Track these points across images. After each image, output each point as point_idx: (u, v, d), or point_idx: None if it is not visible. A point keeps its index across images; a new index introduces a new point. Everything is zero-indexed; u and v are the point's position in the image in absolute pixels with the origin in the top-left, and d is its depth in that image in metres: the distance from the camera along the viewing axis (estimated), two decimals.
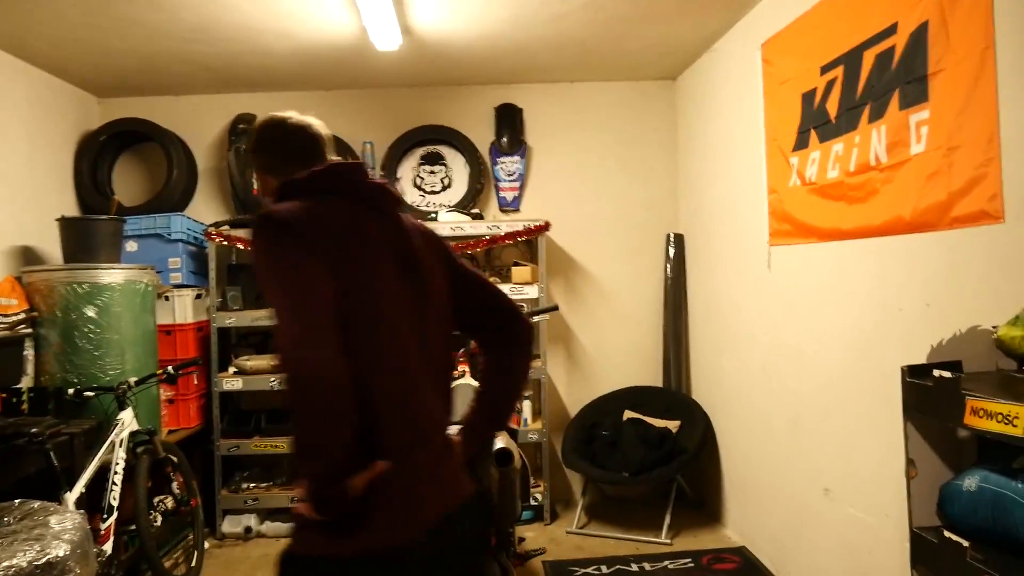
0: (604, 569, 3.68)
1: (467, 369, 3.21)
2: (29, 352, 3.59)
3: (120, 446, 3.39)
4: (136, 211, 4.43)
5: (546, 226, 4.40)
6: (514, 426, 3.14)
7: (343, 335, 1.40)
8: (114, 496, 3.27)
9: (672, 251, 4.75)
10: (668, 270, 4.76)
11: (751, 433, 3.80)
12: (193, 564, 3.81)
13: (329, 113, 4.77)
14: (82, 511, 2.90)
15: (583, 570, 3.68)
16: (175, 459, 3.87)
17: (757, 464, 3.74)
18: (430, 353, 1.59)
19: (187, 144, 4.72)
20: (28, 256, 3.94)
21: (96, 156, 4.54)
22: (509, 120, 4.76)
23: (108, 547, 3.16)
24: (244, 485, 4.50)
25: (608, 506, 4.66)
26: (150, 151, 4.70)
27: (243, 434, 4.46)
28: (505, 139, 4.75)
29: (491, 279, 4.58)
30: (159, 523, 3.68)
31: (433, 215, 4.55)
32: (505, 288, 4.39)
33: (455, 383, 3.08)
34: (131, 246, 4.34)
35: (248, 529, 4.37)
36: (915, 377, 1.85)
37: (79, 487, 3.08)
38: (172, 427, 4.27)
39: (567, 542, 4.13)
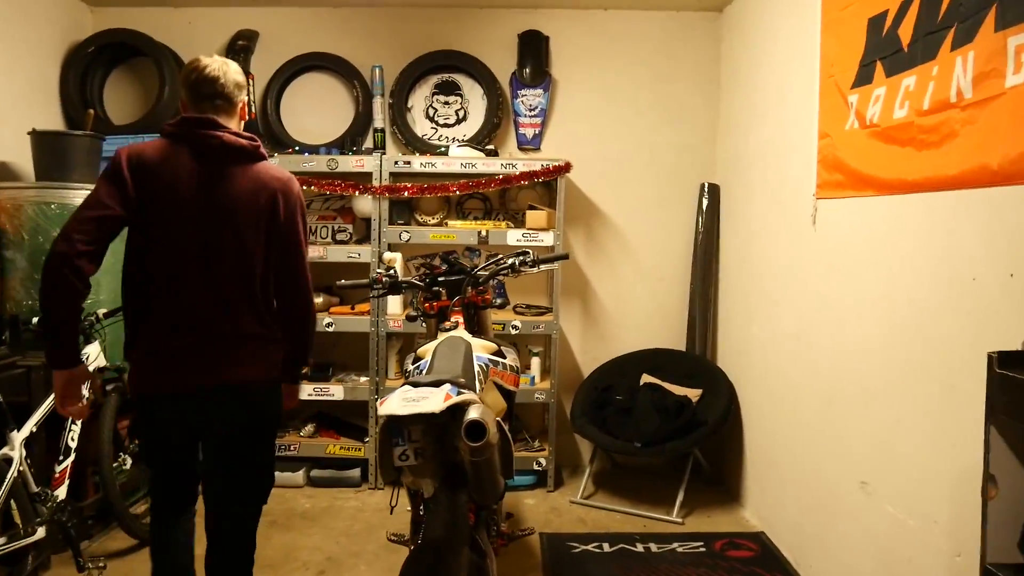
0: (606, 547, 3.35)
1: (460, 320, 2.85)
2: None
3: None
4: (124, 131, 4.10)
5: (566, 167, 3.98)
6: (510, 386, 2.78)
7: (133, 240, 2.15)
8: (72, 437, 3.00)
9: (705, 202, 4.30)
10: (699, 223, 4.32)
11: (779, 408, 3.40)
12: None
13: (336, 32, 4.38)
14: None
15: (583, 547, 3.35)
16: None
17: (784, 443, 3.35)
18: (215, 273, 2.11)
19: (183, 61, 4.35)
20: (1, 172, 3.64)
21: (85, 69, 4.20)
22: (533, 49, 4.29)
23: (61, 492, 2.90)
24: None
25: (618, 476, 4.32)
26: (144, 67, 4.34)
27: None
28: (528, 70, 4.30)
29: (503, 224, 4.20)
30: (129, 466, 3.43)
31: (443, 149, 4.14)
32: (518, 234, 4.00)
33: (447, 333, 2.73)
34: None
35: None
36: (1008, 367, 1.42)
37: (29, 425, 2.81)
38: None
39: (569, 513, 3.81)
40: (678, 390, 4.02)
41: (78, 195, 3.34)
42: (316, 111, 4.42)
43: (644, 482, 4.19)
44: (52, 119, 4.07)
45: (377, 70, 4.25)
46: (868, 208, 2.62)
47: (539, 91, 4.31)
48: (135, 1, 4.30)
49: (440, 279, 2.93)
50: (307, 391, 4.05)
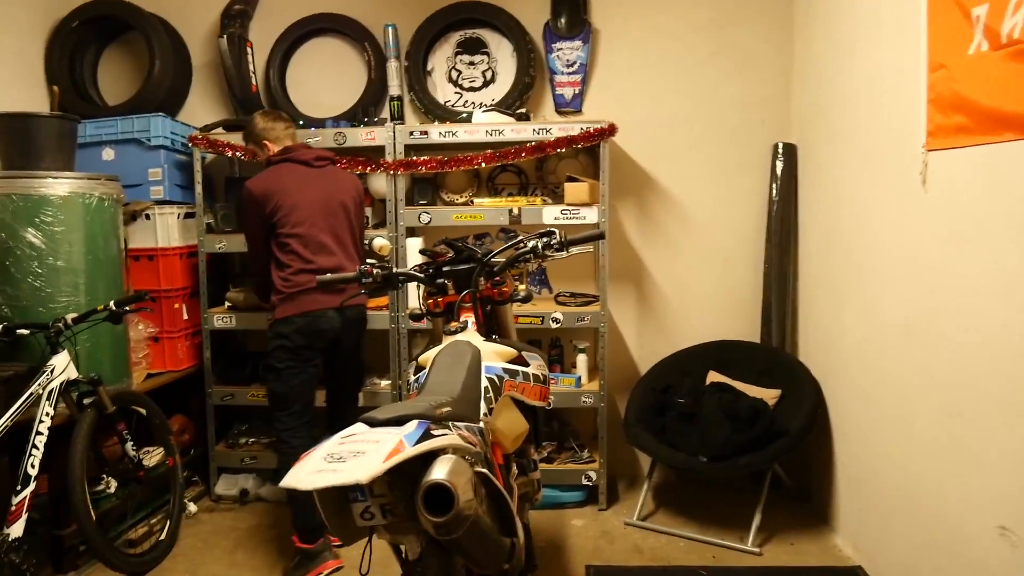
0: None
1: (471, 319, 2.30)
2: None
3: (48, 399, 2.69)
4: (115, 111, 3.68)
5: (610, 130, 3.35)
6: (534, 401, 2.22)
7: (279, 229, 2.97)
8: (32, 464, 2.59)
9: (780, 166, 3.62)
10: (774, 191, 3.64)
11: (882, 416, 2.73)
12: (163, 537, 3.15)
13: None
14: None
15: None
16: (144, 411, 3.19)
17: (889, 459, 2.68)
18: (341, 238, 3.03)
19: (179, 33, 3.92)
20: None
21: (74, 48, 3.80)
22: None
23: (17, 528, 2.49)
24: (242, 440, 3.81)
25: (682, 490, 3.70)
26: (139, 42, 3.91)
27: (239, 380, 3.75)
28: (563, 19, 3.68)
29: (537, 201, 3.61)
30: (114, 489, 3.01)
31: (464, 116, 3.58)
32: (555, 211, 3.42)
33: (453, 337, 2.20)
34: (107, 154, 3.61)
35: (244, 492, 3.68)
36: None
37: None
38: (157, 369, 3.59)
39: (623, 539, 3.22)
40: (752, 391, 3.38)
41: (48, 185, 2.92)
42: (325, 81, 3.92)
43: (714, 497, 3.57)
44: (37, 104, 3.68)
45: (390, 29, 3.71)
46: (1007, 157, 1.94)
47: (577, 43, 3.69)
48: None
49: (445, 269, 2.38)
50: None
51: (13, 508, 2.52)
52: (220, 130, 3.67)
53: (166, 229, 3.57)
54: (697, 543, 3.14)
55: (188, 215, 3.66)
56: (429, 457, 1.33)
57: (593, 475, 3.49)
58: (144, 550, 3.09)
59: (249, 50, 3.77)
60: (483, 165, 3.45)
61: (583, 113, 3.77)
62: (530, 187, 3.81)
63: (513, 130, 3.42)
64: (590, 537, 3.24)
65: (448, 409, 1.57)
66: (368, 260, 2.37)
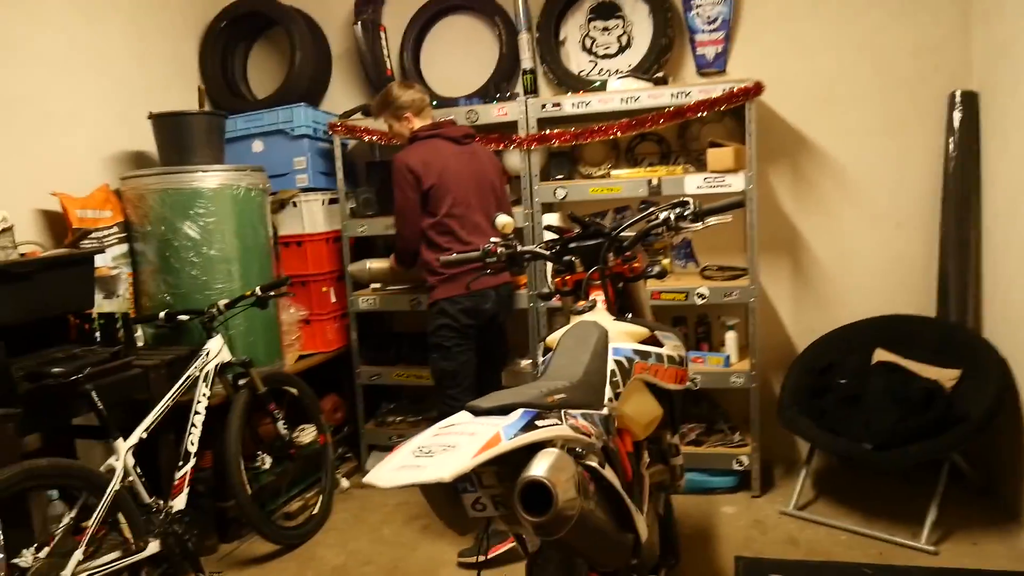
0: None
1: (600, 297, 2.18)
2: (124, 270, 3.16)
3: (204, 380, 2.85)
4: (261, 105, 3.84)
5: (756, 89, 3.08)
6: (669, 384, 2.07)
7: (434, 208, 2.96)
8: (191, 441, 2.76)
9: (958, 118, 3.19)
10: (950, 147, 3.22)
11: None
12: (316, 511, 3.29)
13: None
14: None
15: None
16: (295, 392, 3.32)
17: None
18: (487, 208, 2.99)
19: (318, 24, 4.02)
20: (139, 161, 3.51)
21: (224, 46, 4.00)
22: None
23: (180, 501, 2.66)
24: (390, 419, 3.90)
25: (846, 478, 3.40)
26: (283, 37, 4.05)
27: (385, 360, 3.83)
28: None
29: (678, 170, 3.40)
30: (269, 465, 3.17)
31: (597, 84, 3.42)
32: (698, 179, 3.20)
33: (580, 317, 2.09)
34: (257, 146, 3.78)
35: None
36: None
37: (138, 432, 2.57)
38: (308, 351, 3.74)
39: (778, 529, 3.00)
40: (926, 371, 3.02)
41: (199, 178, 3.09)
42: (457, 59, 3.89)
43: (882, 487, 3.25)
44: (192, 103, 3.91)
45: (520, 1, 3.61)
46: None
47: None
48: None
49: (572, 245, 2.27)
50: None
51: (176, 482, 2.69)
52: (359, 116, 3.74)
53: (311, 215, 3.69)
54: (861, 537, 2.86)
55: (332, 201, 3.77)
56: (535, 449, 1.23)
57: (745, 459, 3.27)
58: (299, 523, 3.23)
59: (383, 34, 3.80)
60: (619, 135, 3.29)
61: (727, 73, 3.50)
62: (672, 155, 3.60)
63: (649, 96, 3.23)
64: (741, 526, 3.04)
65: (562, 396, 1.47)
66: (492, 239, 2.29)
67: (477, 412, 1.32)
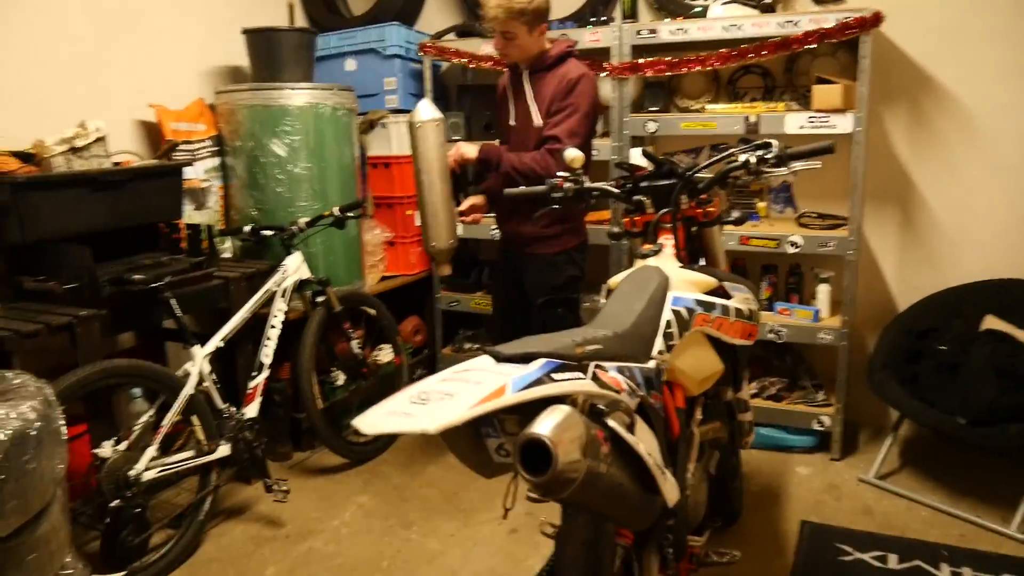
0: (893, 562, 2.38)
1: (668, 241, 2.06)
2: (215, 184, 3.25)
3: (282, 296, 2.93)
4: (355, 22, 3.80)
5: (873, 19, 2.78)
6: (734, 339, 1.96)
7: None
8: (266, 353, 2.85)
9: None
10: None
11: None
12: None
13: None
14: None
15: (857, 554, 2.42)
16: (373, 312, 3.38)
17: None
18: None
19: None
20: (235, 76, 3.56)
21: None
22: None
23: (251, 409, 2.77)
24: (467, 346, 3.93)
25: (936, 450, 3.18)
26: None
27: (465, 287, 3.83)
28: None
29: (779, 106, 3.15)
30: (341, 382, 3.26)
31: (700, 10, 3.18)
32: (801, 118, 2.96)
33: (643, 262, 1.99)
34: (350, 64, 3.76)
35: None
36: None
37: (215, 340, 2.68)
38: (391, 272, 3.78)
39: (853, 496, 2.84)
40: None
41: (286, 96, 3.10)
42: None
43: (975, 464, 3.02)
44: (293, 19, 3.91)
45: None
46: None
47: None
48: None
49: (643, 184, 2.14)
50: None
51: (249, 391, 2.81)
52: (452, 36, 3.65)
53: (400, 138, 3.66)
54: (944, 515, 2.68)
55: None
56: (552, 402, 1.17)
57: (827, 420, 3.11)
58: (368, 439, 3.32)
59: None
60: (716, 67, 3.06)
61: (845, 1, 3.17)
62: (777, 90, 3.34)
63: (754, 24, 2.98)
64: (814, 489, 2.91)
65: (596, 347, 1.40)
66: (559, 172, 2.19)
67: (499, 358, 1.26)
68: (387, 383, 3.51)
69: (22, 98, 2.73)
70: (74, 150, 2.60)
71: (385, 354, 3.54)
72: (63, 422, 1.70)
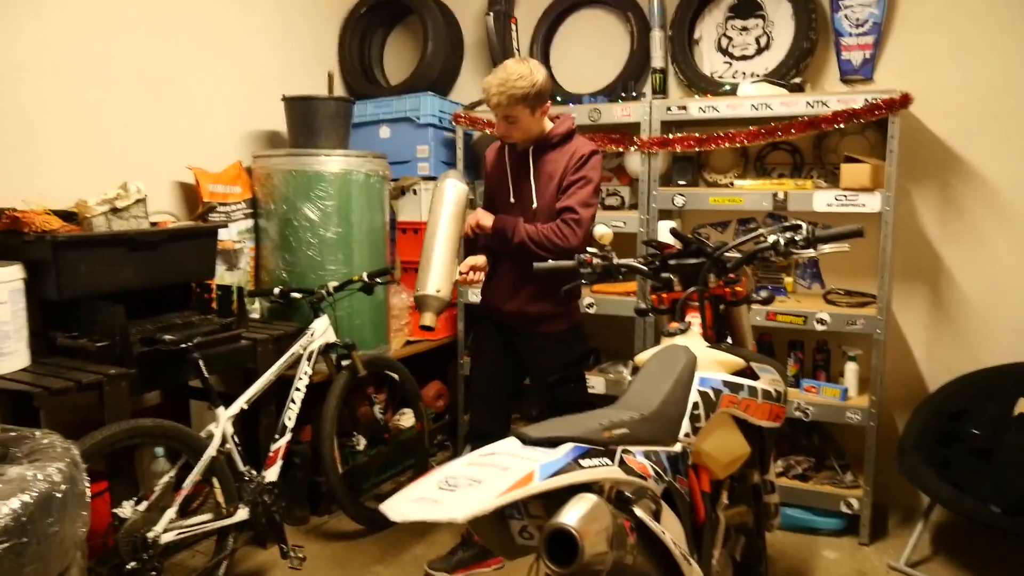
0: None
1: (695, 320, 2.05)
2: (248, 245, 3.31)
3: (308, 359, 2.95)
4: (391, 91, 3.91)
5: (902, 100, 2.81)
6: (761, 420, 1.94)
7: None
8: (289, 416, 2.86)
9: None
10: None
11: None
12: None
13: None
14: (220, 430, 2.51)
15: None
16: (396, 376, 3.38)
17: None
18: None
19: (453, 14, 4.04)
20: (272, 140, 3.67)
21: (363, 32, 4.09)
22: None
23: (272, 473, 2.76)
24: None
25: (970, 537, 3.07)
26: (420, 25, 4.10)
27: None
28: None
29: (807, 184, 3.16)
30: (363, 447, 3.25)
31: (727, 88, 3.23)
32: (829, 196, 2.98)
33: (671, 340, 1.98)
34: (384, 132, 3.85)
35: None
36: None
37: (239, 402, 2.68)
38: (415, 337, 3.79)
39: None
40: None
41: (319, 162, 3.18)
42: (587, 55, 3.80)
43: (1013, 555, 2.91)
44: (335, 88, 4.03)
45: None
46: None
47: None
48: None
49: (671, 262, 2.15)
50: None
51: (271, 454, 2.80)
52: (484, 107, 3.73)
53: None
54: None
55: None
56: (579, 489, 1.16)
57: (855, 503, 3.03)
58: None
59: (513, 26, 3.77)
60: (745, 143, 3.10)
61: (874, 81, 3.22)
62: (805, 167, 3.37)
63: (783, 103, 3.02)
64: (841, 575, 2.82)
65: (623, 431, 1.39)
66: (588, 248, 2.21)
67: (526, 440, 1.26)
68: (408, 448, 3.49)
69: (67, 158, 2.82)
70: (115, 210, 2.67)
71: (407, 419, 3.54)
72: (88, 485, 1.70)
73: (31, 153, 2.73)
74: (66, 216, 2.64)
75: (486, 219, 2.66)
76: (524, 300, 2.66)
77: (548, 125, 2.64)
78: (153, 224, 2.90)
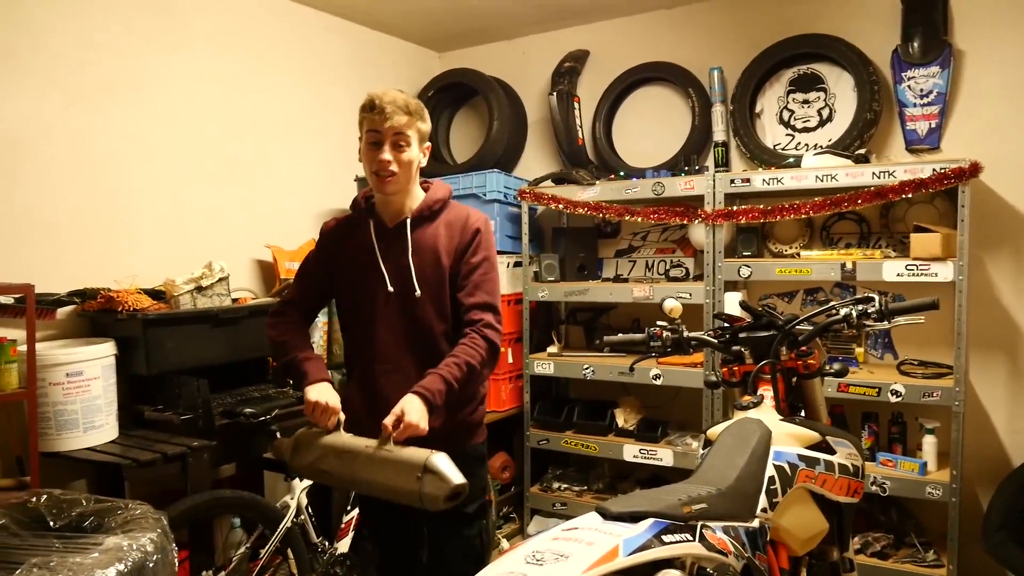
0: None
1: (767, 393, 2.04)
2: (321, 319, 3.43)
3: None
4: (458, 170, 4.06)
5: (972, 170, 2.79)
6: (838, 496, 1.89)
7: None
8: None
9: None
10: None
11: None
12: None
13: (670, 37, 3.80)
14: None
15: None
16: None
17: None
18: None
19: (517, 93, 4.20)
20: None
21: (431, 112, 4.25)
22: (924, 13, 3.15)
23: (344, 545, 2.79)
24: (555, 485, 3.88)
25: None
26: (483, 105, 4.28)
27: (555, 426, 3.83)
28: (917, 43, 3.17)
29: (876, 254, 3.14)
30: None
31: (791, 160, 3.26)
32: (899, 266, 2.94)
33: (743, 413, 1.98)
34: None
35: None
36: None
37: None
38: None
39: None
40: None
41: None
42: (649, 130, 3.89)
43: None
44: None
45: (715, 73, 3.56)
46: None
47: (934, 69, 3.15)
48: (475, 40, 4.29)
49: (742, 335, 2.15)
50: (633, 451, 3.51)
51: (343, 526, 2.84)
52: (548, 183, 3.84)
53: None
54: None
55: (516, 264, 3.88)
56: (662, 565, 1.17)
57: None
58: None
59: (576, 105, 3.90)
60: (811, 214, 3.11)
61: (941, 150, 3.21)
62: (872, 237, 3.34)
63: (848, 174, 3.03)
64: None
65: (702, 506, 1.39)
66: (659, 322, 2.23)
67: (606, 515, 1.27)
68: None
69: (156, 239, 3.01)
70: (199, 288, 2.82)
71: None
72: (176, 554, 1.77)
73: (123, 235, 2.92)
74: (155, 295, 2.80)
75: (424, 421, 1.85)
76: (439, 415, 1.97)
77: (419, 190, 2.17)
78: (234, 300, 3.04)
